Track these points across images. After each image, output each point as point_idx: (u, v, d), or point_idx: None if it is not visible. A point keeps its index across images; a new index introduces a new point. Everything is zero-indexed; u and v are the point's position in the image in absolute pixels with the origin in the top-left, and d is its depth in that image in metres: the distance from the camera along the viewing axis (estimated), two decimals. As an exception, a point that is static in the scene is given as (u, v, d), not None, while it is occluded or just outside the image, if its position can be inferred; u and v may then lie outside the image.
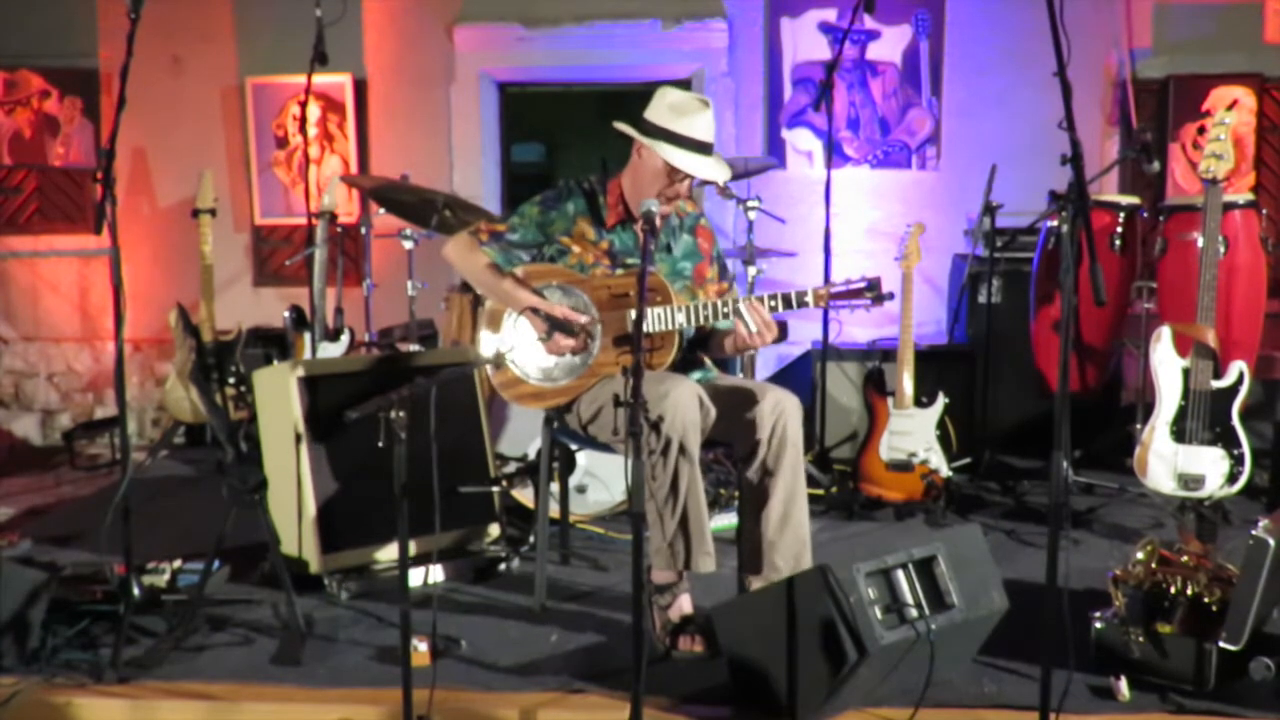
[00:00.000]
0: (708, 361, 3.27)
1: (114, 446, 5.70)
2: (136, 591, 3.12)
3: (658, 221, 3.03)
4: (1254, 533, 2.53)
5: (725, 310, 2.98)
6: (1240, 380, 3.72)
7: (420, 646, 2.77)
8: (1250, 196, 4.16)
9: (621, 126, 3.12)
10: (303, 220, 5.21)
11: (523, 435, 4.11)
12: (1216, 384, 3.72)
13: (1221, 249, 3.83)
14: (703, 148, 3.04)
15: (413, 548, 3.27)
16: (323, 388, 3.47)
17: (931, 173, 5.98)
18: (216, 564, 3.18)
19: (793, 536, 2.98)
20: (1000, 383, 4.79)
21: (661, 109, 3.05)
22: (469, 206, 4.50)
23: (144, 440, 6.18)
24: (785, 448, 2.95)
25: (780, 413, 2.96)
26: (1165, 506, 3.99)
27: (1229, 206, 3.97)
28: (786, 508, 2.97)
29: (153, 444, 5.76)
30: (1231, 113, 3.86)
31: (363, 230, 5.24)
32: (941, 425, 4.17)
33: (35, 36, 6.06)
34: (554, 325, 3.06)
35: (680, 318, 2.99)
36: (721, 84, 5.98)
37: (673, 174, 3.03)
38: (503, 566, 3.61)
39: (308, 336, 4.95)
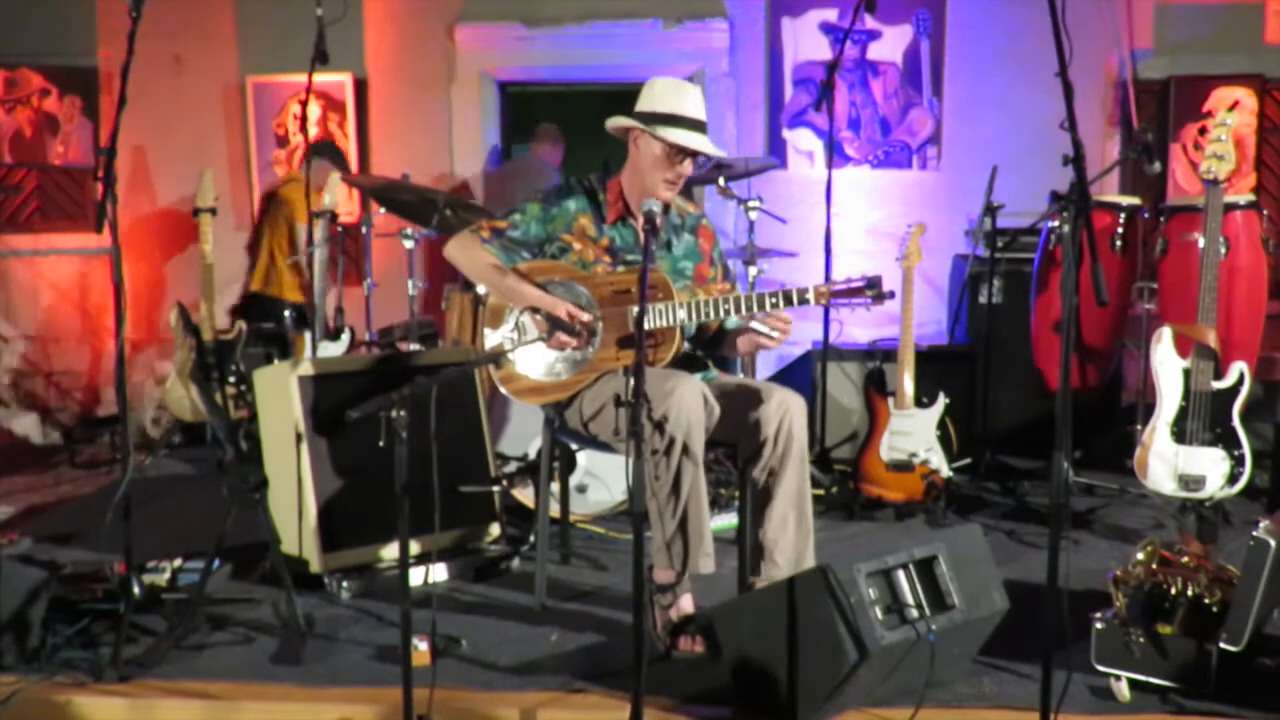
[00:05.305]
0: (709, 362, 3.27)
1: (114, 445, 5.71)
2: (137, 590, 3.12)
3: (658, 220, 3.03)
4: (1254, 534, 2.53)
5: (727, 306, 2.98)
6: (1241, 381, 3.71)
7: (420, 646, 2.77)
8: (1251, 197, 4.16)
9: (616, 121, 3.13)
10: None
11: (523, 435, 4.11)
12: (1217, 385, 3.72)
13: (1222, 250, 3.82)
14: (697, 125, 3.06)
15: (413, 547, 3.27)
16: (323, 387, 3.47)
17: (932, 173, 5.98)
18: (217, 563, 3.18)
19: (797, 536, 2.98)
20: (1001, 383, 4.79)
21: (652, 96, 3.09)
22: (469, 206, 4.50)
23: (150, 434, 6.17)
24: (791, 447, 2.95)
25: (785, 412, 2.96)
26: (1166, 507, 3.98)
27: (1230, 207, 3.97)
28: (791, 507, 2.97)
29: (159, 432, 5.76)
30: (1233, 114, 3.86)
31: (363, 230, 5.24)
32: (942, 425, 4.17)
33: (35, 35, 6.06)
34: (555, 323, 3.06)
35: (681, 314, 2.99)
36: (723, 84, 5.98)
37: (672, 156, 3.05)
38: (503, 566, 3.61)
39: (308, 336, 4.95)
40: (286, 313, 5.17)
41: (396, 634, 2.51)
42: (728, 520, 3.83)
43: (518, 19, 5.98)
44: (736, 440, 3.05)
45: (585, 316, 3.08)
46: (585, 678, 2.77)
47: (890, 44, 5.93)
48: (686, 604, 2.95)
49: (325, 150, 5.62)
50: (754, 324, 2.96)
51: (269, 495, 3.15)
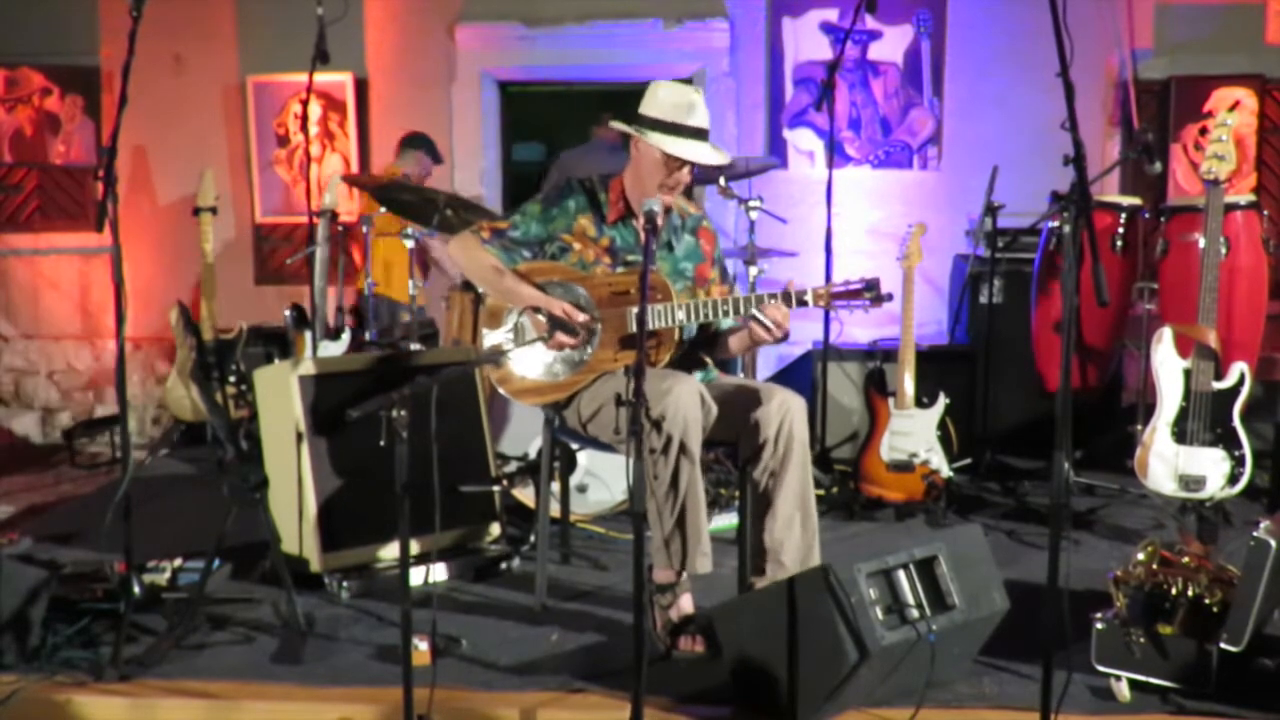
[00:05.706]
0: (710, 362, 3.27)
1: (114, 445, 5.71)
2: (137, 590, 3.12)
3: (659, 219, 3.03)
4: (1255, 534, 2.53)
5: (725, 308, 2.98)
6: (1241, 381, 3.71)
7: (420, 645, 2.77)
8: (1252, 197, 4.16)
9: (617, 124, 3.13)
10: (303, 219, 5.21)
11: (523, 435, 4.11)
12: (1218, 385, 3.72)
13: (1223, 250, 3.82)
14: (698, 134, 3.04)
15: (413, 547, 3.27)
16: (323, 386, 3.47)
17: (933, 173, 5.98)
18: (217, 562, 3.18)
19: (800, 537, 2.97)
20: (1001, 383, 4.79)
21: (654, 101, 3.07)
22: (470, 205, 4.50)
23: (144, 439, 6.18)
24: (792, 448, 2.95)
25: (786, 413, 2.95)
26: (1166, 508, 3.98)
27: (1230, 207, 3.97)
28: (796, 508, 2.96)
29: (153, 442, 5.76)
30: (1233, 114, 3.86)
31: (363, 229, 5.23)
32: (942, 426, 4.17)
33: (36, 34, 6.06)
34: (555, 323, 3.06)
35: (680, 315, 2.99)
36: (723, 84, 5.97)
37: (670, 163, 3.04)
38: (503, 566, 3.61)
39: (308, 335, 4.95)
40: (286, 311, 5.16)
41: (396, 634, 2.51)
42: (728, 520, 3.83)
43: (518, 19, 5.98)
44: (737, 440, 3.05)
45: (583, 316, 3.08)
46: (585, 678, 2.77)
47: (891, 44, 5.93)
48: (686, 604, 2.95)
49: (421, 143, 5.59)
50: (755, 311, 2.94)
51: (269, 495, 3.15)
